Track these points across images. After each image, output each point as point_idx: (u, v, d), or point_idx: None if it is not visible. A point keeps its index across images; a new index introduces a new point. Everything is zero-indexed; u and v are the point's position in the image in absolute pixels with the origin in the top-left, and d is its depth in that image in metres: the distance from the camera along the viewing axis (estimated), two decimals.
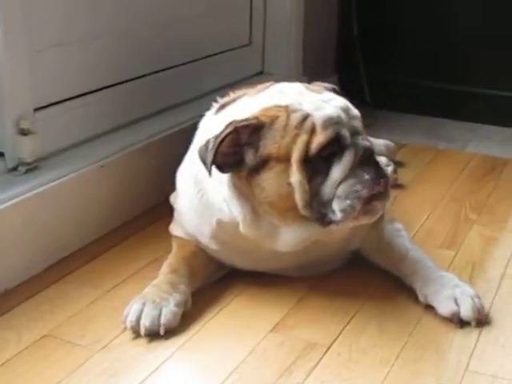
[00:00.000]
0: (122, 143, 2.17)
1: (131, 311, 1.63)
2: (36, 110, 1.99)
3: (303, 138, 1.58)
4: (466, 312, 1.65)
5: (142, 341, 1.61)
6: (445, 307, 1.67)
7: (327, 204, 1.60)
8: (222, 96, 1.88)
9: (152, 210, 2.20)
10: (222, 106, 1.81)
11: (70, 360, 1.55)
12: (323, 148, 1.58)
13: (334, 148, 1.58)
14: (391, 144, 2.66)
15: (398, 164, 2.61)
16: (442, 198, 2.39)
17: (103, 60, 2.22)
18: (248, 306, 1.75)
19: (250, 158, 1.62)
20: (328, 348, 1.59)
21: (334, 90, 1.77)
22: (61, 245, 1.96)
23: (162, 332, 1.61)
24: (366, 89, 3.31)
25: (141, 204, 2.22)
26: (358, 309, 1.73)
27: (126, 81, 2.31)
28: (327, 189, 1.59)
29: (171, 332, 1.63)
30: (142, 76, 2.38)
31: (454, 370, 1.52)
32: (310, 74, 3.15)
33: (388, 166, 2.45)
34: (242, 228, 1.68)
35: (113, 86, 2.26)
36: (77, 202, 2.00)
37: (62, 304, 1.76)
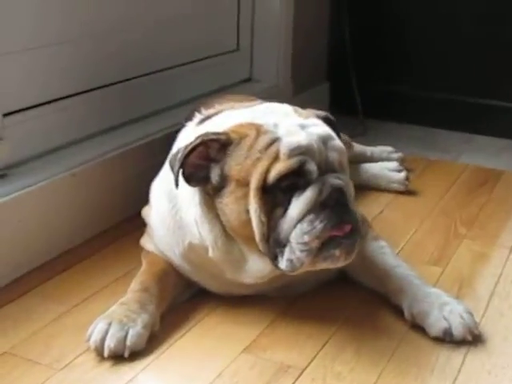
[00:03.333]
0: (96, 151, 2.08)
1: (96, 330, 1.54)
2: (5, 115, 1.90)
3: (264, 163, 1.46)
4: (456, 330, 1.57)
5: (106, 361, 1.52)
6: (435, 328, 1.58)
7: (281, 244, 1.47)
8: (207, 108, 1.77)
9: (124, 223, 2.11)
10: (206, 118, 1.69)
11: (29, 380, 1.46)
12: (282, 178, 1.44)
13: (295, 180, 1.45)
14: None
15: None
16: (431, 211, 2.31)
17: (77, 64, 2.12)
18: (219, 324, 1.65)
19: (214, 175, 1.52)
20: (302, 372, 1.49)
21: (325, 119, 1.61)
22: (27, 257, 1.87)
23: (126, 355, 1.52)
24: (358, 97, 3.22)
25: (113, 216, 2.12)
26: (336, 330, 1.64)
27: (102, 86, 2.22)
28: (285, 225, 1.46)
29: (135, 354, 1.53)
30: (119, 82, 2.29)
31: None
32: (299, 81, 3.09)
33: (400, 171, 2.44)
34: (210, 253, 1.58)
35: (87, 91, 2.17)
36: (45, 212, 1.91)
37: (25, 320, 1.67)
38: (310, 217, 1.43)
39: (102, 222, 2.09)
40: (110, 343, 1.51)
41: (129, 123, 2.30)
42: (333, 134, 1.53)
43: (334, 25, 3.33)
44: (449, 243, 2.08)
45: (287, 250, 1.46)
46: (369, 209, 2.23)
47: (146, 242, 1.81)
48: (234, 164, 1.49)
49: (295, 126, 1.49)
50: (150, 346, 1.56)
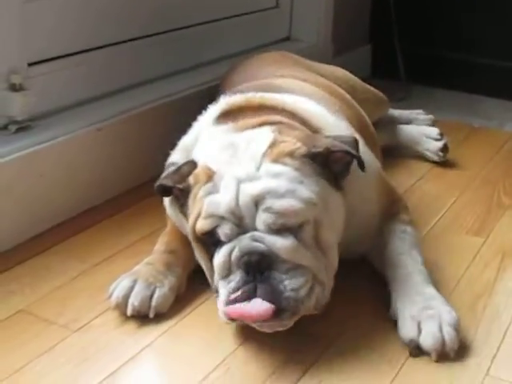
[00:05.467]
0: (123, 106, 2.00)
1: (119, 287, 1.48)
2: (30, 65, 1.84)
3: (192, 216, 1.41)
4: (425, 341, 1.37)
5: (123, 323, 1.46)
6: (403, 332, 1.40)
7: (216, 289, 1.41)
8: (227, 94, 1.65)
9: (150, 182, 1.99)
10: (225, 115, 1.56)
11: (44, 339, 1.41)
12: (204, 233, 1.38)
13: (217, 237, 1.37)
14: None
15: None
16: (472, 181, 2.19)
17: (107, 13, 2.04)
18: None
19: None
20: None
21: (316, 155, 1.40)
22: (49, 213, 1.81)
23: (151, 315, 1.46)
24: (400, 61, 3.11)
25: (139, 174, 2.04)
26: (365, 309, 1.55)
27: (134, 39, 2.14)
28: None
29: (157, 316, 1.47)
30: (152, 35, 2.20)
31: (473, 375, 1.34)
32: (340, 42, 2.99)
33: (439, 140, 2.31)
34: None
35: (117, 43, 2.09)
36: (69, 167, 1.84)
37: (43, 277, 1.62)
38: (226, 279, 1.35)
39: (128, 181, 2.02)
40: (134, 301, 1.46)
41: (159, 79, 2.22)
42: (280, 191, 1.34)
43: None
44: (491, 213, 1.98)
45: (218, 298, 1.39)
46: (407, 176, 2.14)
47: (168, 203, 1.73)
48: (187, 207, 1.45)
49: (233, 182, 1.36)
50: (171, 310, 1.50)
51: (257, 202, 1.34)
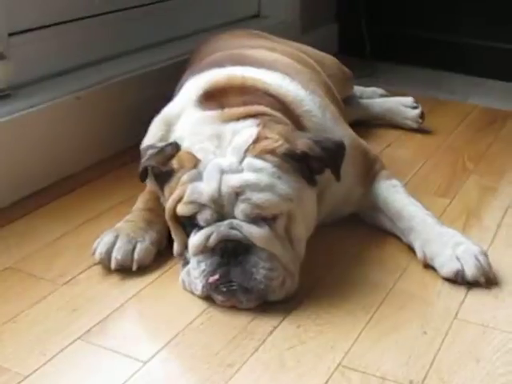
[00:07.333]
0: (101, 76, 2.06)
1: (102, 243, 1.55)
2: (10, 35, 1.87)
3: (173, 197, 1.47)
4: (470, 271, 1.52)
5: (109, 276, 1.52)
6: (447, 268, 1.54)
7: (186, 262, 1.49)
8: (206, 68, 1.71)
9: (129, 150, 2.04)
10: (208, 97, 1.60)
11: (32, 293, 1.47)
12: (183, 218, 1.46)
13: (194, 221, 1.44)
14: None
15: None
16: (438, 148, 2.28)
17: None
18: None
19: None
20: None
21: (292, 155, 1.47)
22: (31, 178, 1.86)
23: (134, 268, 1.53)
24: (367, 38, 3.17)
25: (118, 142, 2.10)
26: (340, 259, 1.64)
27: (109, 12, 2.19)
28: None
29: (140, 269, 1.54)
30: (127, 8, 2.26)
31: (442, 318, 1.42)
32: (307, 20, 3.04)
33: (415, 108, 2.41)
34: None
35: (95, 16, 2.14)
36: (50, 134, 1.89)
37: (28, 238, 1.67)
38: (199, 257, 1.43)
39: (107, 148, 2.08)
40: (117, 255, 1.52)
41: (134, 51, 2.28)
42: (260, 185, 1.42)
43: None
44: (456, 177, 2.06)
45: (185, 269, 1.47)
46: (375, 144, 2.21)
47: None
48: (168, 187, 1.51)
49: (216, 171, 1.43)
50: (155, 263, 1.56)
51: (237, 193, 1.41)
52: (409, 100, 2.45)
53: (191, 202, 1.44)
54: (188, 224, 1.46)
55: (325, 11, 3.28)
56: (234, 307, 1.42)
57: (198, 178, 1.45)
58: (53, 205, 1.82)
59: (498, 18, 3.03)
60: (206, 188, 1.43)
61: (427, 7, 3.16)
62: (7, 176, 1.79)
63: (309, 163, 1.49)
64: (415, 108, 2.43)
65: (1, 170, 1.77)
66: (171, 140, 1.57)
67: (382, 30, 3.23)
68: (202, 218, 1.43)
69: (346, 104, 2.23)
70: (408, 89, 2.77)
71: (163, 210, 1.59)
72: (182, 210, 1.45)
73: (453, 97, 2.81)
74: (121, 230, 1.57)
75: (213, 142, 1.48)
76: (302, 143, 1.47)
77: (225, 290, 1.41)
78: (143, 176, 1.54)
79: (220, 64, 1.71)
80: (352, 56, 2.95)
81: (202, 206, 1.43)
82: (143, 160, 1.54)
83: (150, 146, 1.57)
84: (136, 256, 1.53)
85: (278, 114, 1.57)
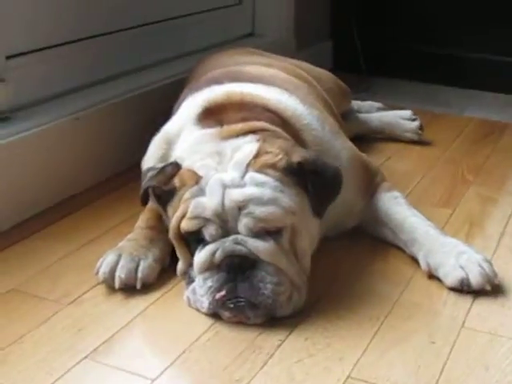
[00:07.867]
0: (100, 97, 2.06)
1: (105, 262, 1.54)
2: (8, 57, 1.88)
3: (177, 215, 1.46)
4: (474, 279, 1.52)
5: (114, 295, 1.51)
6: (452, 277, 1.53)
7: (190, 281, 1.48)
8: (204, 86, 1.72)
9: (128, 171, 2.05)
10: (207, 114, 1.61)
11: (36, 314, 1.45)
12: (189, 232, 1.45)
13: (201, 236, 1.44)
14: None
15: None
16: (437, 160, 2.29)
17: (83, 8, 2.09)
18: None
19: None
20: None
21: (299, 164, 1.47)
22: (32, 200, 1.85)
23: (138, 286, 1.52)
24: (361, 54, 3.19)
25: (119, 162, 2.10)
26: (345, 272, 1.64)
27: (107, 33, 2.20)
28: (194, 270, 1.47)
29: (145, 287, 1.53)
30: (124, 29, 2.26)
31: (449, 327, 1.42)
32: (302, 37, 3.05)
33: (414, 120, 2.43)
34: None
35: (92, 37, 2.15)
36: (50, 155, 1.89)
37: (31, 259, 1.66)
38: (205, 274, 1.42)
39: (107, 169, 2.08)
40: (120, 274, 1.51)
41: (132, 72, 2.28)
42: (263, 198, 1.42)
43: None
44: (457, 188, 2.07)
45: (190, 288, 1.46)
46: (375, 157, 2.21)
47: None
48: (171, 206, 1.50)
49: (218, 186, 1.43)
50: (159, 281, 1.56)
51: (240, 207, 1.41)
52: (407, 113, 2.47)
53: (195, 217, 1.43)
54: (193, 240, 1.46)
55: (319, 28, 3.30)
56: (241, 322, 1.41)
57: (201, 193, 1.44)
58: (54, 226, 1.81)
59: (493, 31, 3.05)
60: (208, 202, 1.42)
61: (422, 22, 3.19)
62: (7, 198, 1.78)
63: (308, 177, 1.48)
64: (414, 120, 2.44)
65: (1, 193, 1.76)
66: (172, 159, 1.57)
67: (376, 45, 3.25)
68: (207, 232, 1.42)
69: (345, 119, 2.23)
70: (405, 103, 2.78)
71: (165, 227, 1.59)
72: (186, 225, 1.44)
73: (449, 110, 2.83)
74: (123, 249, 1.57)
75: (214, 159, 1.48)
76: (298, 156, 1.47)
77: (232, 306, 1.40)
78: (144, 199, 1.55)
79: (218, 81, 1.72)
80: (347, 72, 2.95)
81: (206, 221, 1.42)
82: (144, 182, 1.54)
83: (150, 168, 1.57)
84: (139, 274, 1.53)
85: (277, 129, 1.58)
